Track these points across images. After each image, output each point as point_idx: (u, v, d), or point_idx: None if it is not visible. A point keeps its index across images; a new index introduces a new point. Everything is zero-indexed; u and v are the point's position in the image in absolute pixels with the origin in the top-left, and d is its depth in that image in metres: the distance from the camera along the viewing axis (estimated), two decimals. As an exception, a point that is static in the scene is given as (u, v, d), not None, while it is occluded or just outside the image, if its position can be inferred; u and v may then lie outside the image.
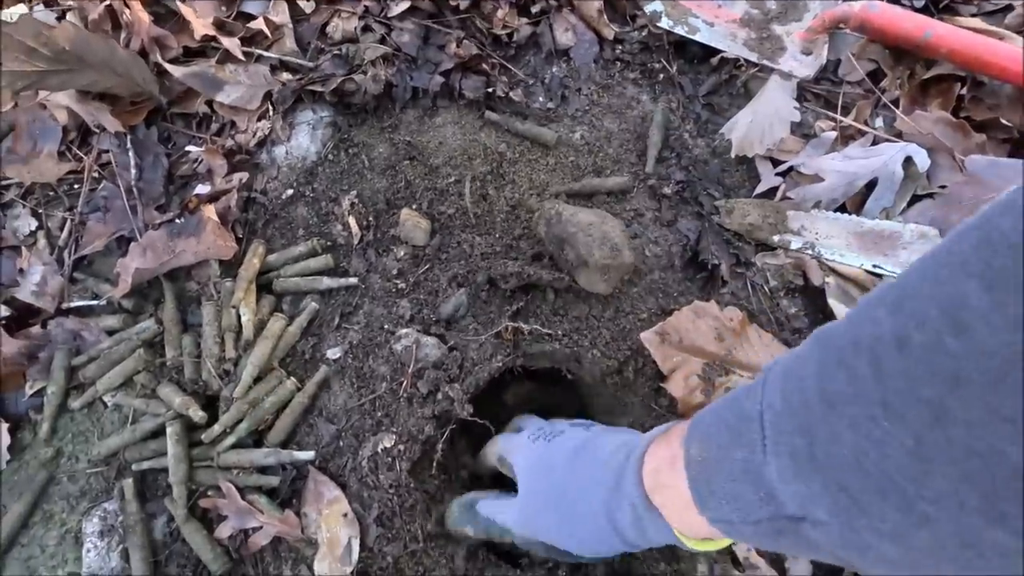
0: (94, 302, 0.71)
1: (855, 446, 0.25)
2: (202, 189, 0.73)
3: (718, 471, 0.34)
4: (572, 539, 0.49)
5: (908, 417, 0.23)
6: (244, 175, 0.75)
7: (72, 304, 0.70)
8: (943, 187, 0.70)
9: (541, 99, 0.81)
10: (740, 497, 0.32)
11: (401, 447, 0.62)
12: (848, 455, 0.25)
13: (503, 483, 0.60)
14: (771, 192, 0.74)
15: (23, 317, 0.69)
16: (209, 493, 0.63)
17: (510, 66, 0.82)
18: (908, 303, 0.24)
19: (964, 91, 0.74)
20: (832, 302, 0.66)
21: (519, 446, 0.57)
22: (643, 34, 0.82)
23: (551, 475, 0.51)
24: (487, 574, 0.57)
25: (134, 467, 0.64)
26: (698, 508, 0.36)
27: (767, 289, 0.69)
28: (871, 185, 0.71)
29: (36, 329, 0.68)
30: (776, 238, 0.71)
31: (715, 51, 0.80)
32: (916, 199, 0.71)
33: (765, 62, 0.78)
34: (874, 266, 0.68)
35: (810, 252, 0.70)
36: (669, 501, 0.40)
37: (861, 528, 0.26)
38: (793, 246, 0.71)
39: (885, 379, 0.24)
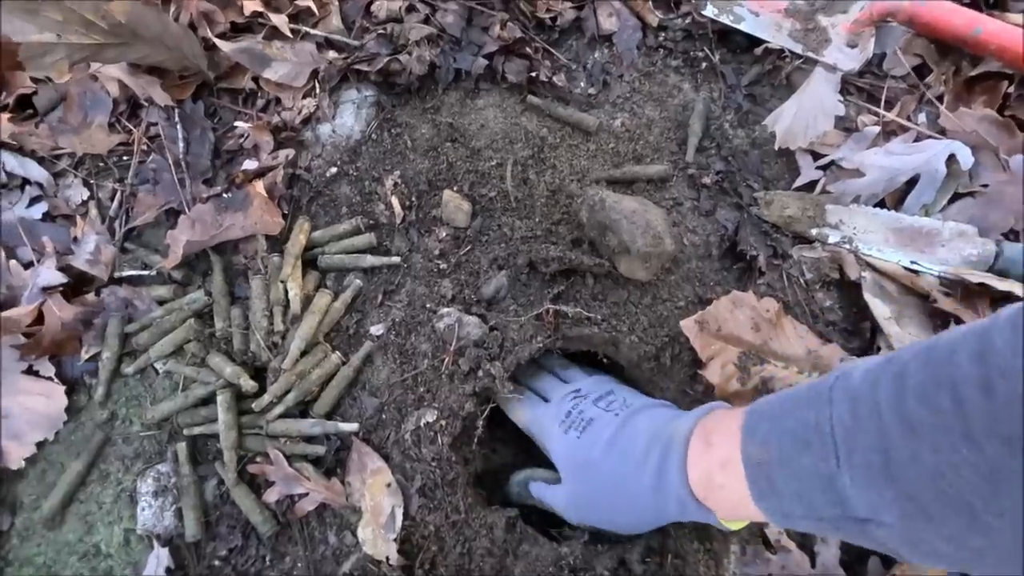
0: (144, 272, 0.73)
1: (933, 466, 0.30)
2: (249, 164, 0.75)
3: (782, 472, 0.39)
4: (621, 527, 0.55)
5: (986, 448, 0.28)
6: (290, 152, 0.76)
7: (124, 273, 0.73)
8: (985, 186, 0.70)
9: (583, 84, 0.81)
10: (806, 497, 0.37)
11: (443, 422, 0.64)
12: (925, 472, 0.30)
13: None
14: (811, 185, 0.74)
15: (78, 285, 0.72)
16: (258, 459, 0.65)
17: (553, 50, 0.82)
18: (992, 356, 0.29)
19: (1011, 89, 0.74)
20: (868, 296, 0.67)
21: (550, 433, 0.59)
22: (687, 22, 0.82)
23: (592, 473, 0.55)
24: (524, 546, 0.60)
25: (186, 432, 0.66)
26: (754, 501, 0.41)
27: (803, 281, 0.70)
28: (912, 181, 0.72)
29: (91, 296, 0.71)
30: (814, 231, 0.72)
31: (759, 41, 0.80)
32: (957, 197, 0.71)
33: (810, 54, 0.78)
34: (912, 262, 0.69)
35: (848, 246, 0.71)
36: (723, 499, 0.45)
37: (921, 530, 0.31)
38: (831, 240, 0.71)
39: (967, 415, 0.29)
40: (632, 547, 0.58)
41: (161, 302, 0.72)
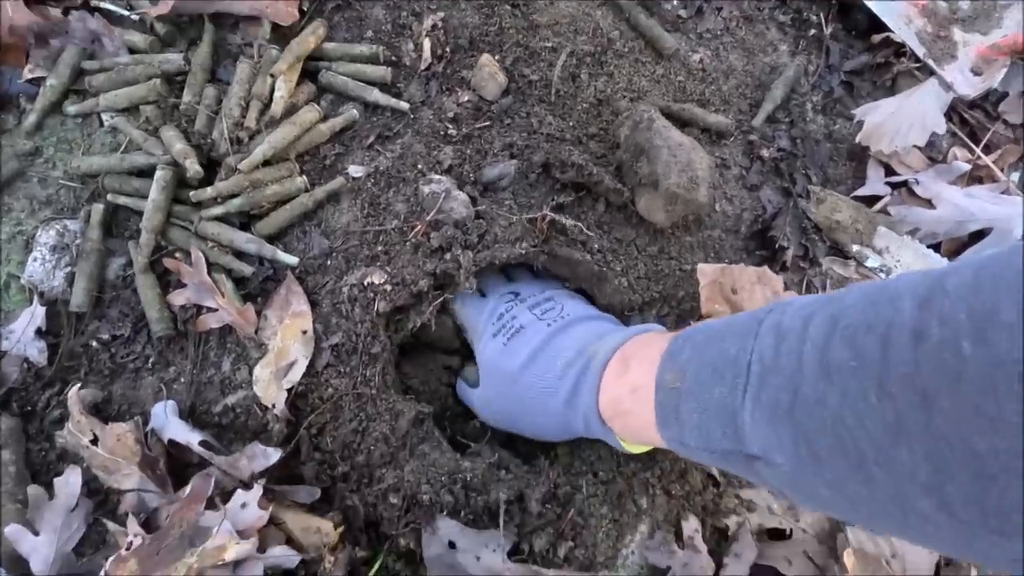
0: (126, 12, 0.63)
1: (837, 411, 0.28)
2: (283, -60, 0.64)
3: (689, 401, 0.37)
4: (528, 433, 0.55)
5: (898, 399, 0.26)
6: (333, -56, 0.65)
7: (101, 4, 0.63)
8: (1053, 268, 0.63)
9: (676, 1, 0.71)
10: (705, 428, 0.36)
11: (388, 287, 0.56)
12: (827, 416, 0.29)
13: None
14: (871, 200, 0.66)
15: (46, -7, 0.62)
16: (177, 255, 0.58)
17: (659, -49, 0.71)
18: (937, 301, 0.26)
19: (1123, 180, 0.65)
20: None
21: (480, 333, 0.56)
22: (814, -23, 0.72)
23: (509, 384, 0.52)
24: (424, 447, 0.54)
25: (109, 197, 0.58)
26: (657, 427, 0.40)
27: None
28: (977, 236, 0.64)
29: (56, 13, 0.61)
30: (855, 248, 0.64)
31: (881, 28, 0.70)
32: (1018, 269, 0.64)
33: (930, 62, 0.68)
34: (943, 317, 0.61)
35: (882, 276, 0.63)
36: (627, 423, 0.44)
37: (809, 474, 0.31)
38: (868, 263, 0.64)
39: (889, 362, 0.26)
40: (536, 486, 0.52)
41: (133, 51, 0.62)
